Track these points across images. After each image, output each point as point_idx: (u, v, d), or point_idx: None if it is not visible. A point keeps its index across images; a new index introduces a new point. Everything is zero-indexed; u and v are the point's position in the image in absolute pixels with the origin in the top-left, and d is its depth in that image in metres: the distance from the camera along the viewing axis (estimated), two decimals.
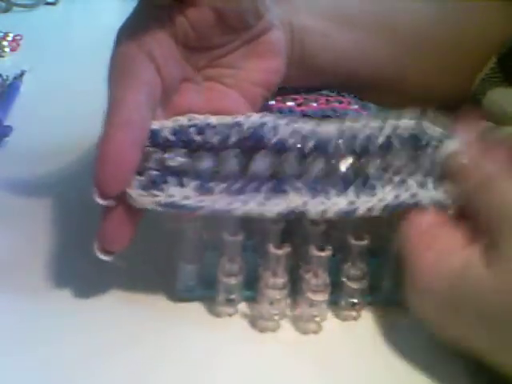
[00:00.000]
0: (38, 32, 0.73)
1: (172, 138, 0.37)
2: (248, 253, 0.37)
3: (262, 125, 0.37)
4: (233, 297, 0.37)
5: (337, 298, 0.38)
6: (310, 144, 0.37)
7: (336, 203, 0.36)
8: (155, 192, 0.35)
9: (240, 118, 0.37)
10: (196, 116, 0.38)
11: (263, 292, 0.37)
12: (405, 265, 0.35)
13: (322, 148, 0.37)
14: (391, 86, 0.47)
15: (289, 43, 0.43)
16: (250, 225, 0.37)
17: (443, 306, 0.34)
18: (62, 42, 0.72)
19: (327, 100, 0.48)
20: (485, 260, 0.33)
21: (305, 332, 0.37)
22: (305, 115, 0.46)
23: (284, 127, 0.37)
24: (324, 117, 0.45)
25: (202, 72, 0.41)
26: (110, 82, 0.37)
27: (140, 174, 0.36)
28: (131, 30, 0.38)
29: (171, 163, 0.36)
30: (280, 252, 0.36)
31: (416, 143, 0.38)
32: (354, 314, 0.38)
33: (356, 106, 0.46)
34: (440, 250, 0.35)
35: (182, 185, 0.36)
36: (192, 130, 0.37)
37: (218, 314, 0.38)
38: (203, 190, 0.36)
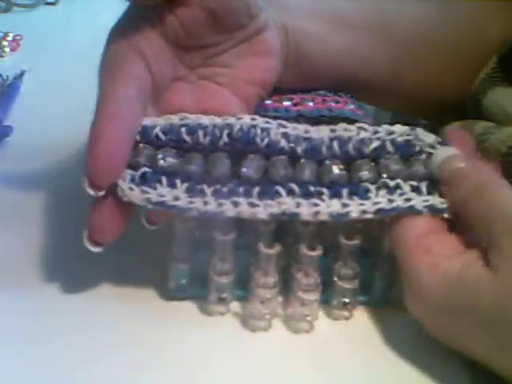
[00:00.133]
0: (38, 32, 0.73)
1: (163, 136, 0.37)
2: (240, 252, 0.37)
3: (253, 127, 0.37)
4: (224, 296, 0.37)
5: (328, 297, 0.38)
6: (303, 146, 0.37)
7: (329, 205, 0.36)
8: (146, 189, 0.36)
9: (231, 120, 0.37)
10: (188, 115, 0.38)
11: (254, 291, 0.37)
12: (401, 269, 0.35)
13: (315, 150, 0.37)
14: (390, 87, 0.47)
15: (284, 45, 0.42)
16: (241, 224, 0.37)
17: (442, 309, 0.34)
18: (62, 42, 0.72)
19: (324, 100, 0.48)
20: (484, 262, 0.33)
21: (296, 331, 0.37)
22: (300, 115, 0.45)
23: (275, 129, 0.37)
24: (320, 116, 0.45)
25: (196, 71, 0.41)
26: (101, 77, 0.37)
27: (132, 168, 0.36)
28: (122, 30, 0.38)
29: (162, 163, 0.36)
30: (271, 251, 0.36)
31: (410, 148, 0.38)
32: (345, 313, 0.38)
33: (352, 106, 0.46)
34: (438, 254, 0.34)
35: (172, 185, 0.36)
36: (183, 129, 0.37)
37: (209, 313, 0.38)
38: (194, 192, 0.36)
